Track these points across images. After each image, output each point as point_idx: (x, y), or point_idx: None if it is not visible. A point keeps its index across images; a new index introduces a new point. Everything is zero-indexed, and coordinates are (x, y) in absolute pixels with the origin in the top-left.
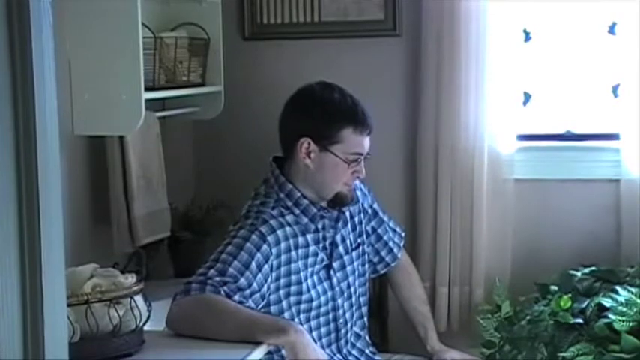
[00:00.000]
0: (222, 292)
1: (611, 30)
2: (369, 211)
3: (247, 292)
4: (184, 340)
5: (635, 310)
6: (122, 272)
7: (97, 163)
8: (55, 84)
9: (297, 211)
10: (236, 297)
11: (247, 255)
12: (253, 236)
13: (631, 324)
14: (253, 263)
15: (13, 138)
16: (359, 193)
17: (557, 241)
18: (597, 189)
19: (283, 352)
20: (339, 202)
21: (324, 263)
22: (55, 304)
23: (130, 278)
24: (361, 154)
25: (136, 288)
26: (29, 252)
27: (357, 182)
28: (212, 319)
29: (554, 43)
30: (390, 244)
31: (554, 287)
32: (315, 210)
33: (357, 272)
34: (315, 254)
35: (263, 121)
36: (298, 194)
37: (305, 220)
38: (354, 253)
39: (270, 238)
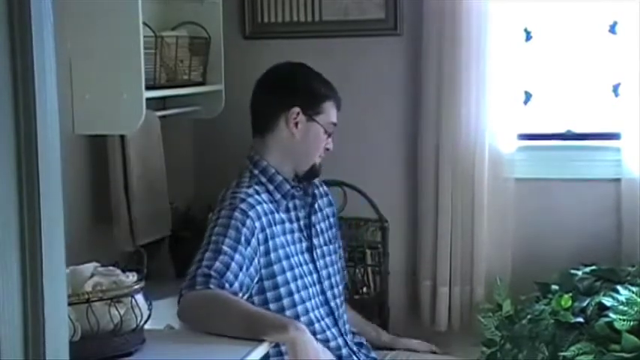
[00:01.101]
0: (225, 284)
1: (612, 29)
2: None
3: (244, 267)
4: (185, 339)
5: (635, 309)
6: (123, 271)
7: (97, 162)
8: (55, 83)
9: (271, 187)
10: (241, 278)
11: (235, 231)
12: (236, 214)
13: (632, 323)
14: (242, 238)
15: (14, 137)
16: (330, 198)
17: (557, 240)
18: (598, 188)
19: (283, 348)
20: (312, 174)
21: (305, 244)
22: (55, 303)
23: (131, 277)
24: (335, 125)
25: (136, 287)
26: (30, 251)
27: (328, 190)
28: (217, 316)
29: (555, 42)
30: (343, 272)
31: (554, 286)
32: (288, 187)
33: (335, 267)
34: (292, 232)
35: None
36: (273, 170)
37: (278, 196)
38: (331, 247)
39: (252, 213)
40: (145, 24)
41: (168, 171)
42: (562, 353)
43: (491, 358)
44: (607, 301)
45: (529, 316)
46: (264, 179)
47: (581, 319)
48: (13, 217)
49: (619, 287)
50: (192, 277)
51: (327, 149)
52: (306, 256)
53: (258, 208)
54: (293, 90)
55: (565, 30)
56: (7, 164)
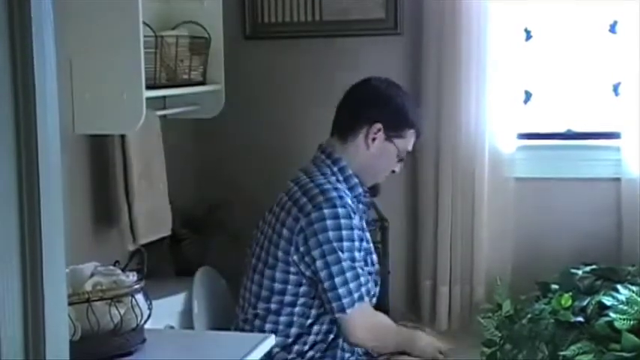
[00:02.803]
0: (367, 300)
1: (612, 29)
2: None
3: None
4: (185, 339)
5: (635, 308)
6: (123, 271)
7: (98, 161)
8: (56, 83)
9: (344, 186)
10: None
11: (358, 231)
12: (350, 212)
13: (632, 322)
14: (357, 243)
15: (14, 137)
16: None
17: (558, 240)
18: (598, 187)
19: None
20: (373, 192)
21: (367, 247)
22: (56, 302)
23: (131, 277)
24: (409, 152)
25: (136, 286)
26: (30, 251)
27: None
28: (385, 339)
29: (556, 41)
30: None
31: (555, 286)
32: (360, 190)
33: None
34: (362, 230)
35: (264, 120)
36: (350, 171)
37: (350, 195)
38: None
39: (351, 210)
40: (145, 23)
41: (169, 170)
42: (562, 353)
43: (491, 358)
44: (607, 301)
45: (529, 316)
46: (340, 177)
47: (581, 319)
48: (14, 217)
49: (619, 286)
50: (341, 297)
51: (393, 171)
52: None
53: (353, 205)
54: (383, 107)
55: (565, 29)
56: (7, 164)
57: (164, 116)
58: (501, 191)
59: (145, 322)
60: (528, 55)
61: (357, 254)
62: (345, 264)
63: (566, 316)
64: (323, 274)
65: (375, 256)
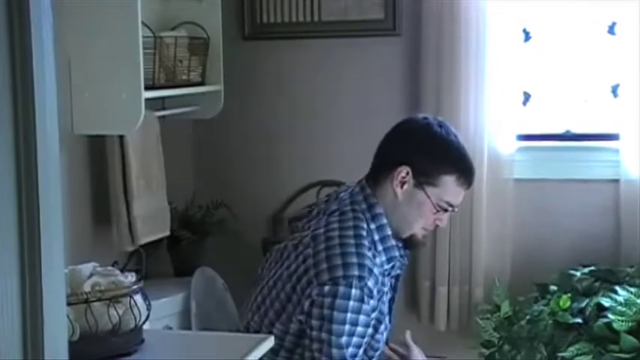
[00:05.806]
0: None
1: (611, 30)
2: None
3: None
4: (184, 340)
5: (634, 310)
6: (122, 271)
7: (96, 162)
8: (55, 83)
9: (380, 247)
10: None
11: (365, 316)
12: (365, 297)
13: (630, 324)
14: (370, 323)
15: (13, 137)
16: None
17: (556, 241)
18: (597, 189)
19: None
20: (409, 243)
21: (390, 296)
22: (54, 303)
23: (130, 277)
24: (452, 206)
25: (135, 287)
26: (29, 251)
27: None
28: None
29: (554, 42)
30: None
31: (553, 287)
32: (397, 254)
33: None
34: (386, 294)
35: (262, 120)
36: (384, 220)
37: (383, 258)
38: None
39: (375, 292)
40: (144, 24)
41: (167, 171)
42: (560, 354)
43: (490, 359)
44: (606, 302)
45: (528, 317)
46: (377, 237)
47: (579, 320)
48: (13, 218)
49: (617, 288)
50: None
51: (438, 225)
52: (388, 306)
53: (379, 278)
54: (413, 149)
55: (564, 31)
56: (6, 164)
57: (163, 117)
58: (500, 192)
59: (144, 322)
60: (527, 56)
61: (354, 339)
62: (335, 344)
63: (565, 318)
64: (314, 345)
65: (385, 331)
